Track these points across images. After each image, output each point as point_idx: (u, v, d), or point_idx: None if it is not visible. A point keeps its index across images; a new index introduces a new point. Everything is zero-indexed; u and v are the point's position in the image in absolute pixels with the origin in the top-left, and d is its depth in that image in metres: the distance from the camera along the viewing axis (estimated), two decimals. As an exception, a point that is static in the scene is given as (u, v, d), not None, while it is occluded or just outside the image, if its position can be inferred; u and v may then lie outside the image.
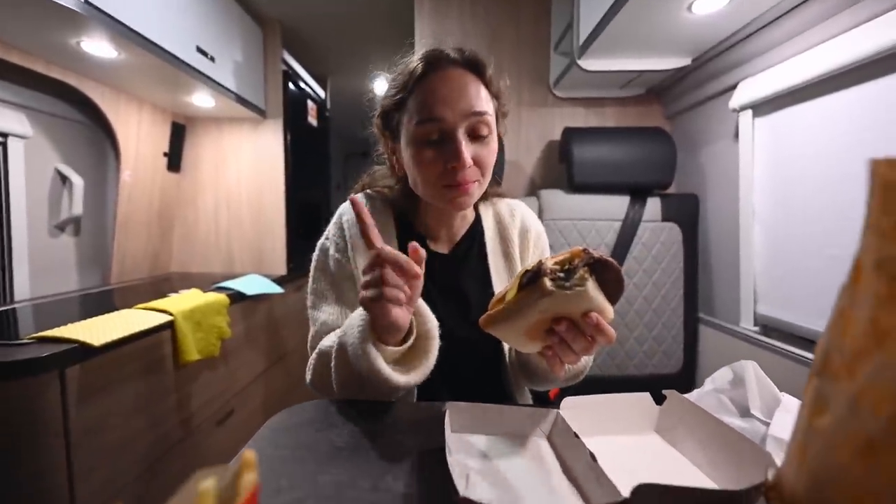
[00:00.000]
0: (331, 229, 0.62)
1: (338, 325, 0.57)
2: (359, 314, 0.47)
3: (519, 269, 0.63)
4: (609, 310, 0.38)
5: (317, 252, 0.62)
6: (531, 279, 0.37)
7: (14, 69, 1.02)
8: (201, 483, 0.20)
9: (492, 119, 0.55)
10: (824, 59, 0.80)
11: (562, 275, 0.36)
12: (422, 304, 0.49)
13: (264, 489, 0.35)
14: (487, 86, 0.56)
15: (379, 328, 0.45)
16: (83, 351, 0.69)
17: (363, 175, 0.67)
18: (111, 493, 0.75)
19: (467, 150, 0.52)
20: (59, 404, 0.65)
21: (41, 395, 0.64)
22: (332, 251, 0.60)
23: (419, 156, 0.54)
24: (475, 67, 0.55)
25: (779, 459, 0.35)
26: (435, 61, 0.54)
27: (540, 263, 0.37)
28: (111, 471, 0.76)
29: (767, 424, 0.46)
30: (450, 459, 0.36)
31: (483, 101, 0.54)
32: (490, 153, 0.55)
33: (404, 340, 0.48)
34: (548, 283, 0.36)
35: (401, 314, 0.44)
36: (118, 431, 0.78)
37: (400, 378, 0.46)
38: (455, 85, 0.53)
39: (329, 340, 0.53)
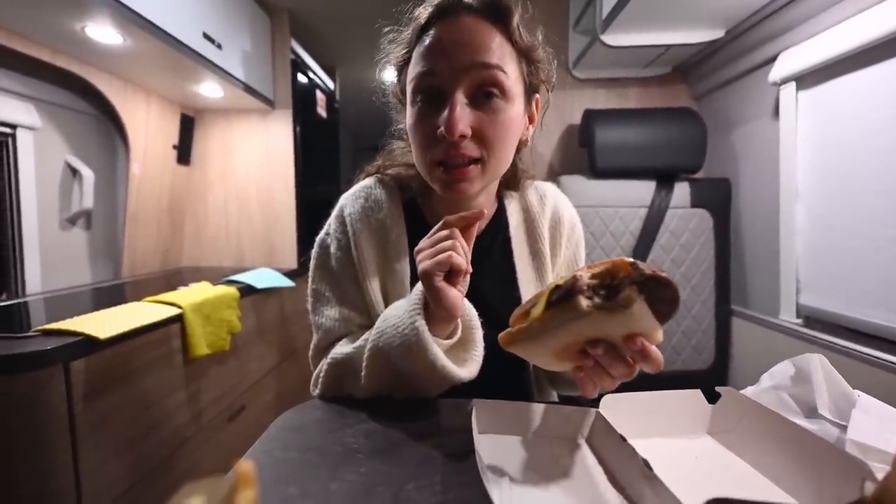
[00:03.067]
0: (332, 224, 0.54)
1: (343, 331, 0.51)
2: (402, 309, 0.43)
3: (549, 267, 0.55)
4: (658, 334, 0.31)
5: (316, 249, 0.55)
6: (563, 296, 0.30)
7: (21, 58, 1.01)
8: (187, 501, 0.16)
9: (508, 81, 0.44)
10: (876, 23, 0.72)
11: (602, 291, 0.30)
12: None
13: (270, 498, 0.30)
14: (511, 38, 0.45)
15: (436, 313, 0.41)
16: (89, 344, 0.67)
17: (380, 154, 0.59)
18: (120, 492, 0.73)
19: (464, 115, 0.42)
20: (65, 399, 0.63)
21: (45, 389, 0.61)
22: (333, 248, 0.53)
23: (411, 121, 0.46)
24: (496, 13, 0.44)
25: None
26: (446, 8, 0.44)
27: (574, 278, 0.30)
28: (119, 468, 0.74)
29: (840, 427, 0.40)
30: (480, 465, 0.31)
31: (496, 53, 0.43)
32: (498, 125, 0.44)
33: (451, 334, 0.44)
34: (584, 302, 0.29)
35: (458, 297, 0.41)
36: (126, 428, 0.75)
37: (462, 372, 0.42)
38: (461, 33, 0.43)
39: (347, 348, 0.48)
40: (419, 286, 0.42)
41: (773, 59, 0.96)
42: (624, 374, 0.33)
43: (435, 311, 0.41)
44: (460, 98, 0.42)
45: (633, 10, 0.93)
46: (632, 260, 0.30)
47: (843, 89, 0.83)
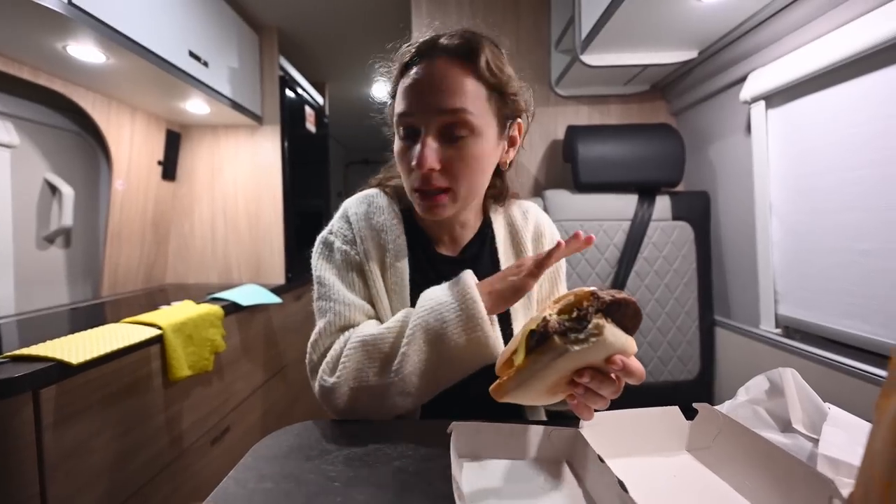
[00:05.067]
0: (335, 223, 0.58)
1: (352, 317, 0.52)
2: (452, 291, 0.48)
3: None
4: (632, 346, 0.34)
5: (318, 245, 0.57)
6: (540, 340, 0.32)
7: None
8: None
9: (475, 119, 0.48)
10: (839, 45, 0.76)
11: (568, 324, 0.32)
12: None
13: (241, 534, 0.30)
14: (481, 77, 0.49)
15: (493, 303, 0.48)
16: (61, 370, 0.65)
17: (382, 168, 0.64)
18: (92, 523, 0.70)
19: (433, 151, 0.47)
20: (33, 429, 0.60)
21: (12, 418, 0.59)
22: (338, 244, 0.56)
23: (396, 150, 0.52)
24: (466, 55, 0.48)
25: (838, 484, 0.30)
26: (424, 49, 0.50)
27: (545, 320, 0.33)
28: (92, 498, 0.70)
29: (813, 440, 0.41)
30: (457, 492, 0.31)
31: (463, 96, 0.47)
32: (466, 159, 0.48)
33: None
34: (560, 341, 0.32)
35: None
36: (100, 456, 0.72)
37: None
38: (433, 76, 0.48)
39: (374, 329, 0.49)
40: (464, 276, 0.49)
41: (743, 79, 1.00)
42: (613, 392, 0.35)
43: (498, 298, 0.48)
44: (430, 138, 0.48)
45: (610, 32, 0.97)
46: (591, 289, 0.32)
47: (810, 107, 0.87)
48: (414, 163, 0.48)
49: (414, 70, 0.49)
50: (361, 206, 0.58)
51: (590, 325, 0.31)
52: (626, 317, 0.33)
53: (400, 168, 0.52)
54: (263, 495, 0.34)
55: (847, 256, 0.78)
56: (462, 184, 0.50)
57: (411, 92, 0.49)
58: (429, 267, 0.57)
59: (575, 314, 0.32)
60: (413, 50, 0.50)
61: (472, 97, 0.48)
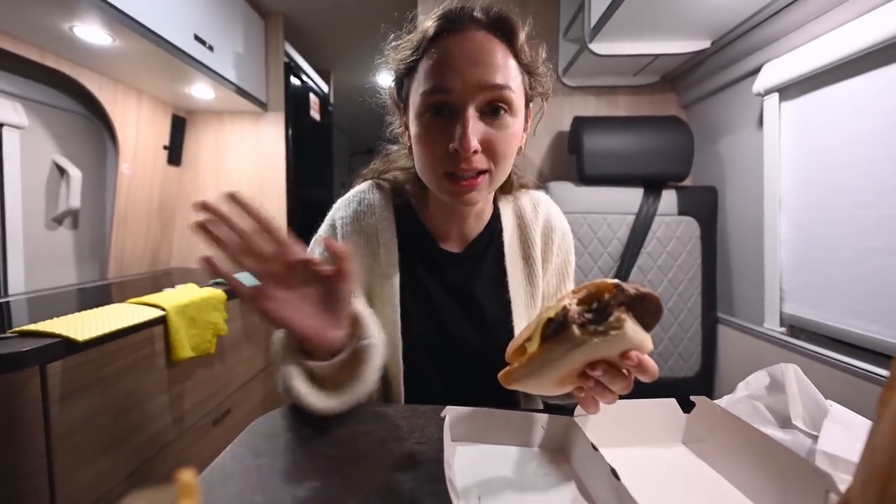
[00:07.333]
0: (322, 228, 0.56)
1: None
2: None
3: (540, 272, 0.56)
4: (648, 343, 0.32)
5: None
6: (557, 328, 0.31)
7: (9, 57, 1.00)
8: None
9: (515, 97, 0.45)
10: (856, 36, 0.74)
11: (590, 315, 0.30)
12: (364, 317, 0.43)
13: (234, 507, 0.30)
14: (517, 55, 0.46)
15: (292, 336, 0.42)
16: (67, 346, 0.66)
17: (377, 158, 0.60)
18: (96, 496, 0.72)
19: (475, 130, 0.43)
20: (40, 402, 0.62)
21: (21, 392, 0.60)
22: (317, 254, 0.54)
23: (420, 134, 0.46)
24: (503, 30, 0.45)
25: (837, 480, 0.29)
26: (454, 19, 0.45)
27: (564, 310, 0.31)
28: (96, 472, 0.72)
29: (813, 437, 0.40)
30: (449, 476, 0.31)
31: (506, 72, 0.44)
32: (506, 138, 0.45)
33: (336, 354, 0.42)
34: (578, 332, 0.30)
35: (296, 317, 0.40)
36: (104, 431, 0.74)
37: (316, 401, 0.41)
38: (472, 49, 0.44)
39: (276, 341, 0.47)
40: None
41: (757, 70, 0.97)
42: (624, 388, 0.33)
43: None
44: (472, 116, 0.43)
45: (620, 20, 0.94)
46: (615, 281, 0.31)
47: (824, 100, 0.84)
48: (456, 143, 0.43)
49: (447, 42, 0.44)
50: (350, 206, 0.55)
51: (611, 318, 0.30)
52: (648, 312, 0.31)
53: (424, 153, 0.47)
54: (258, 472, 0.35)
55: (860, 255, 0.77)
56: (500, 166, 0.46)
57: (447, 65, 0.43)
58: (430, 266, 0.54)
59: (595, 305, 0.30)
60: (440, 21, 0.45)
61: (513, 74, 0.45)
